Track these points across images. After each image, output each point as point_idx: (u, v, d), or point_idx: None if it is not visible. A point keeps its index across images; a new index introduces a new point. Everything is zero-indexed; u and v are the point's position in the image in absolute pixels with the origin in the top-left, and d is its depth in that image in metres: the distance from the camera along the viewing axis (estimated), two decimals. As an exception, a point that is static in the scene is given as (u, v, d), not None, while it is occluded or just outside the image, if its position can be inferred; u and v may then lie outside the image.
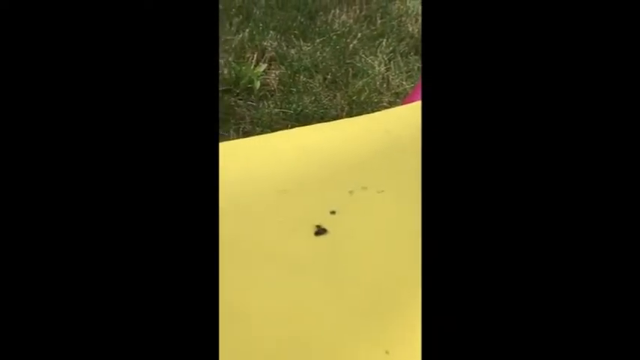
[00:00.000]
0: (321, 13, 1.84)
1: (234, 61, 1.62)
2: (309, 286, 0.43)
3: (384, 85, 1.63)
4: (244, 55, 1.66)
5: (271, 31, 1.74)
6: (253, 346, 0.39)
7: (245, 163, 0.52)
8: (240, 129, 1.48)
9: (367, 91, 1.59)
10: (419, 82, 1.39)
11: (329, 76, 1.63)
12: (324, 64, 1.66)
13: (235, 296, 0.41)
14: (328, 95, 1.59)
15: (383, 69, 1.66)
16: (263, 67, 1.62)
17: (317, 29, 1.77)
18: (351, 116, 1.47)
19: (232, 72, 1.57)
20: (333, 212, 0.48)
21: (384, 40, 1.75)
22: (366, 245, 0.46)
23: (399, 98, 1.59)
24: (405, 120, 0.58)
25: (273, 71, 1.63)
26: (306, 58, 1.66)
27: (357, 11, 1.87)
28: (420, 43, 1.73)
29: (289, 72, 1.62)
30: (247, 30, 1.72)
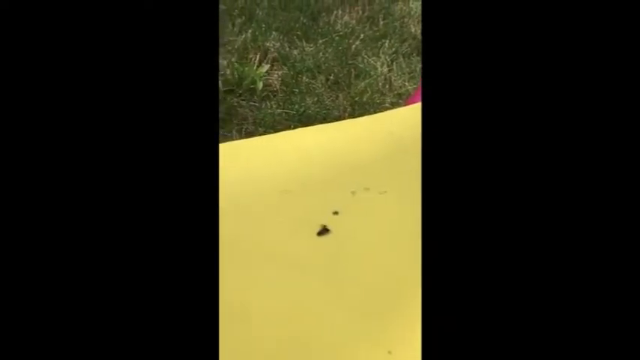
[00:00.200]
0: (323, 14, 1.84)
1: (236, 62, 1.62)
2: (311, 286, 0.43)
3: (387, 86, 1.63)
4: (247, 55, 1.66)
5: (274, 32, 1.74)
6: (255, 346, 0.39)
7: (247, 164, 0.52)
8: (243, 129, 1.48)
9: (370, 92, 1.59)
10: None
11: (331, 77, 1.63)
12: (326, 64, 1.66)
13: (237, 296, 0.41)
14: (331, 96, 1.59)
15: (385, 70, 1.66)
16: (266, 67, 1.62)
17: (319, 30, 1.77)
18: (353, 117, 1.47)
19: (235, 73, 1.57)
20: (335, 213, 0.48)
21: (387, 41, 1.75)
22: (369, 246, 0.46)
23: (402, 99, 1.59)
24: (408, 121, 0.58)
25: (276, 72, 1.63)
26: (309, 59, 1.66)
27: (360, 12, 1.87)
28: (422, 44, 1.72)
29: (292, 73, 1.62)
30: (250, 31, 1.72)
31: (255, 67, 1.61)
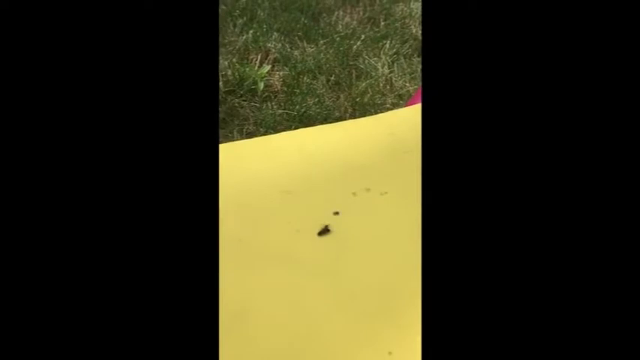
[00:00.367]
0: (324, 14, 1.84)
1: (237, 63, 1.62)
2: (312, 286, 0.43)
3: (388, 87, 1.63)
4: (248, 56, 1.67)
5: (275, 33, 1.74)
6: (255, 346, 0.39)
7: (248, 164, 0.52)
8: (244, 130, 1.48)
9: (370, 93, 1.59)
10: (422, 84, 1.39)
11: (332, 78, 1.63)
12: (327, 65, 1.66)
13: (238, 296, 0.41)
14: (332, 97, 1.59)
15: (386, 71, 1.66)
16: (267, 68, 1.62)
17: (321, 31, 1.77)
18: (354, 118, 1.47)
19: (236, 73, 1.57)
20: (336, 213, 0.48)
21: (388, 41, 1.75)
22: (369, 246, 0.46)
23: (403, 100, 1.59)
24: (408, 122, 0.58)
25: (277, 72, 1.64)
26: (310, 60, 1.66)
27: (361, 13, 1.87)
28: (423, 45, 1.72)
29: (293, 73, 1.62)
30: (251, 31, 1.73)
31: (256, 68, 1.61)
